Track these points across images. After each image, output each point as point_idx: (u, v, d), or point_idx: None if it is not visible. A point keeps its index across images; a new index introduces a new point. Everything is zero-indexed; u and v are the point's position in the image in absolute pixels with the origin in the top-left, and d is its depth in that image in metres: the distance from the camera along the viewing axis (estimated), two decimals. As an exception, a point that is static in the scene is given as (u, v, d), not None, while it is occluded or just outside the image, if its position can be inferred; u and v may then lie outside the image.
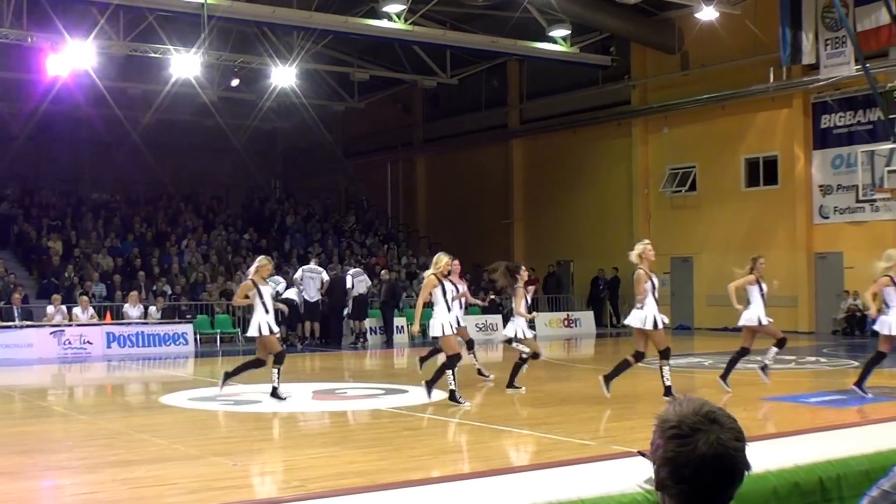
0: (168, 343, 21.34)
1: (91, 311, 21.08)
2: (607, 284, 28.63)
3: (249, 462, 7.82)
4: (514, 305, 12.70)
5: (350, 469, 7.54)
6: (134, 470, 7.58)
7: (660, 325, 11.19)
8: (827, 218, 24.24)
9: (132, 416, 11.61)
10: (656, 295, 11.35)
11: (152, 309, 21.89)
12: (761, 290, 11.93)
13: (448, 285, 11.34)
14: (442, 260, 11.33)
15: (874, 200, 21.84)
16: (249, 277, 11.98)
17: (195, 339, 21.85)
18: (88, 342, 20.40)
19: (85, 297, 21.48)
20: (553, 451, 8.91)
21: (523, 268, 12.88)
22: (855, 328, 23.15)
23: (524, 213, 31.80)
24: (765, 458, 4.97)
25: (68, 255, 25.02)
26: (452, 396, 11.01)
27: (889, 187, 19.67)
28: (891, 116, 19.83)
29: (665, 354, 11.24)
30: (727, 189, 26.09)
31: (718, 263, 25.82)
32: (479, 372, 13.93)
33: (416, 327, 12.03)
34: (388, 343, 23.26)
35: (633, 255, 11.25)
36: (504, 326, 24.02)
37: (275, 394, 11.74)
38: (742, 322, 12.07)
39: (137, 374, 17.98)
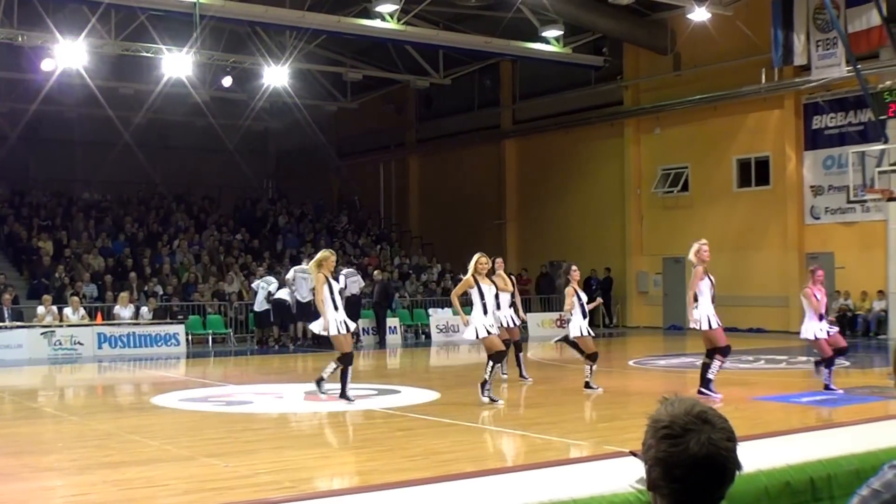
0: (159, 344, 21.29)
1: (82, 311, 21.01)
2: (600, 285, 28.64)
3: (241, 463, 7.80)
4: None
5: (342, 470, 7.53)
6: (125, 471, 7.56)
7: (713, 325, 11.29)
8: (818, 218, 24.32)
9: (123, 417, 11.58)
10: (713, 293, 11.44)
11: (144, 309, 21.82)
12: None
13: (486, 287, 11.21)
14: (473, 259, 11.27)
15: (865, 201, 21.91)
16: (319, 272, 11.44)
17: (187, 340, 21.80)
18: (79, 343, 20.33)
19: (76, 298, 21.41)
20: (545, 452, 8.92)
21: (574, 268, 12.86)
22: (846, 328, 23.20)
23: (517, 214, 31.81)
24: (756, 457, 4.98)
25: (59, 255, 24.94)
26: (483, 386, 11.04)
27: (880, 188, 19.73)
28: (881, 117, 19.90)
29: (724, 352, 11.37)
30: (719, 189, 26.15)
31: (710, 264, 25.87)
32: (521, 374, 13.84)
33: (464, 318, 11.83)
34: (381, 343, 23.24)
35: (691, 254, 11.36)
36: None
37: (319, 383, 11.52)
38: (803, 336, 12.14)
39: (128, 374, 17.93)
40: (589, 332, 12.60)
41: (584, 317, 12.60)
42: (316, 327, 11.73)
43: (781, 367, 15.65)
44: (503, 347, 11.25)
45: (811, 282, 12.05)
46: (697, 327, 11.42)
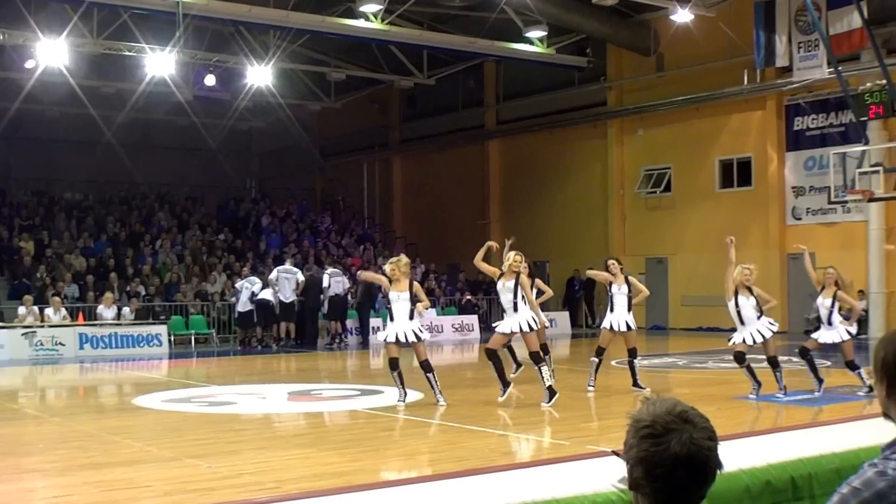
0: (142, 344, 21.18)
1: (63, 311, 20.88)
2: (583, 285, 28.74)
3: (224, 464, 7.78)
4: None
5: (325, 470, 7.53)
6: (107, 472, 7.52)
7: (749, 342, 11.56)
8: (799, 219, 24.47)
9: (105, 418, 11.52)
10: (744, 313, 11.59)
11: (126, 310, 21.72)
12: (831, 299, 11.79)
13: (500, 283, 11.28)
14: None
15: (846, 202, 22.06)
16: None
17: (169, 341, 21.71)
18: (60, 343, 20.20)
19: (57, 298, 21.28)
20: (528, 451, 8.94)
21: (611, 262, 12.65)
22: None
23: (501, 214, 31.84)
24: (737, 456, 5.02)
25: (40, 255, 24.77)
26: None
27: (860, 189, 19.86)
28: (862, 119, 20.02)
29: (773, 362, 11.74)
30: (701, 190, 26.27)
31: (693, 264, 26.04)
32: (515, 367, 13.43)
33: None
34: (364, 344, 23.21)
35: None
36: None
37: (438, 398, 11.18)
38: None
39: (110, 375, 17.84)
40: (612, 326, 12.37)
41: (611, 311, 12.38)
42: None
43: (763, 366, 15.70)
44: (493, 347, 11.34)
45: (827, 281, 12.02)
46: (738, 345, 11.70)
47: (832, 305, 11.75)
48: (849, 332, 11.82)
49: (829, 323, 11.76)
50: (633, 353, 12.42)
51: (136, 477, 7.36)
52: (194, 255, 26.83)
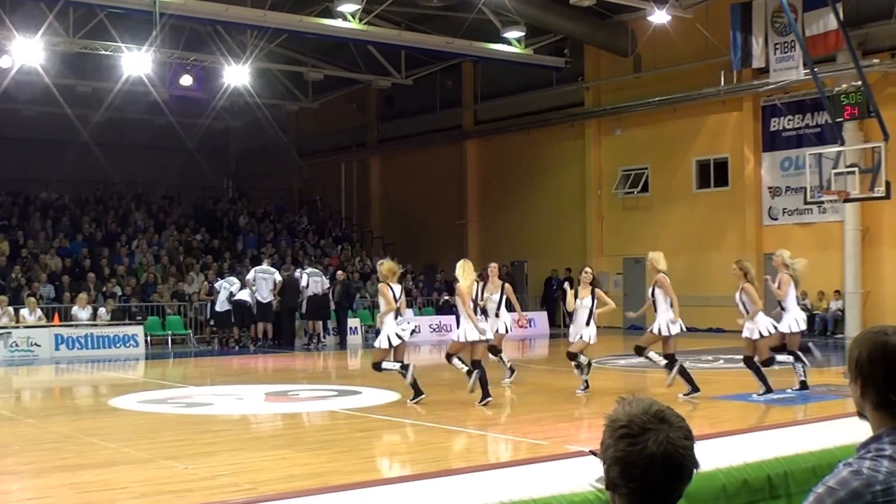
0: (118, 345, 21.02)
1: (39, 312, 20.69)
2: (560, 285, 28.80)
3: (201, 465, 7.73)
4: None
5: (301, 471, 7.51)
6: (83, 474, 7.46)
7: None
8: (776, 219, 24.65)
9: (81, 419, 11.43)
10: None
11: (102, 310, 21.55)
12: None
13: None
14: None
15: (822, 202, 22.24)
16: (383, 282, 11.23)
17: (146, 341, 21.56)
18: (36, 344, 20.02)
19: (32, 299, 21.09)
20: (505, 451, 8.95)
21: (585, 270, 12.62)
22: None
23: (478, 214, 31.87)
24: (714, 455, 5.04)
25: (15, 255, 24.53)
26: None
27: (836, 189, 20.02)
28: (838, 120, 20.18)
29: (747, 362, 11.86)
30: (679, 190, 26.40)
31: (669, 264, 26.07)
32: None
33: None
34: (342, 344, 23.16)
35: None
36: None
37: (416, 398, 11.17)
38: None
39: (86, 376, 17.70)
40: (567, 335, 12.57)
41: (573, 322, 12.40)
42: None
43: (739, 366, 15.79)
44: (477, 358, 11.39)
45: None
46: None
47: (739, 298, 11.92)
48: (769, 329, 11.79)
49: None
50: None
51: (113, 478, 7.31)
52: (171, 256, 26.66)
